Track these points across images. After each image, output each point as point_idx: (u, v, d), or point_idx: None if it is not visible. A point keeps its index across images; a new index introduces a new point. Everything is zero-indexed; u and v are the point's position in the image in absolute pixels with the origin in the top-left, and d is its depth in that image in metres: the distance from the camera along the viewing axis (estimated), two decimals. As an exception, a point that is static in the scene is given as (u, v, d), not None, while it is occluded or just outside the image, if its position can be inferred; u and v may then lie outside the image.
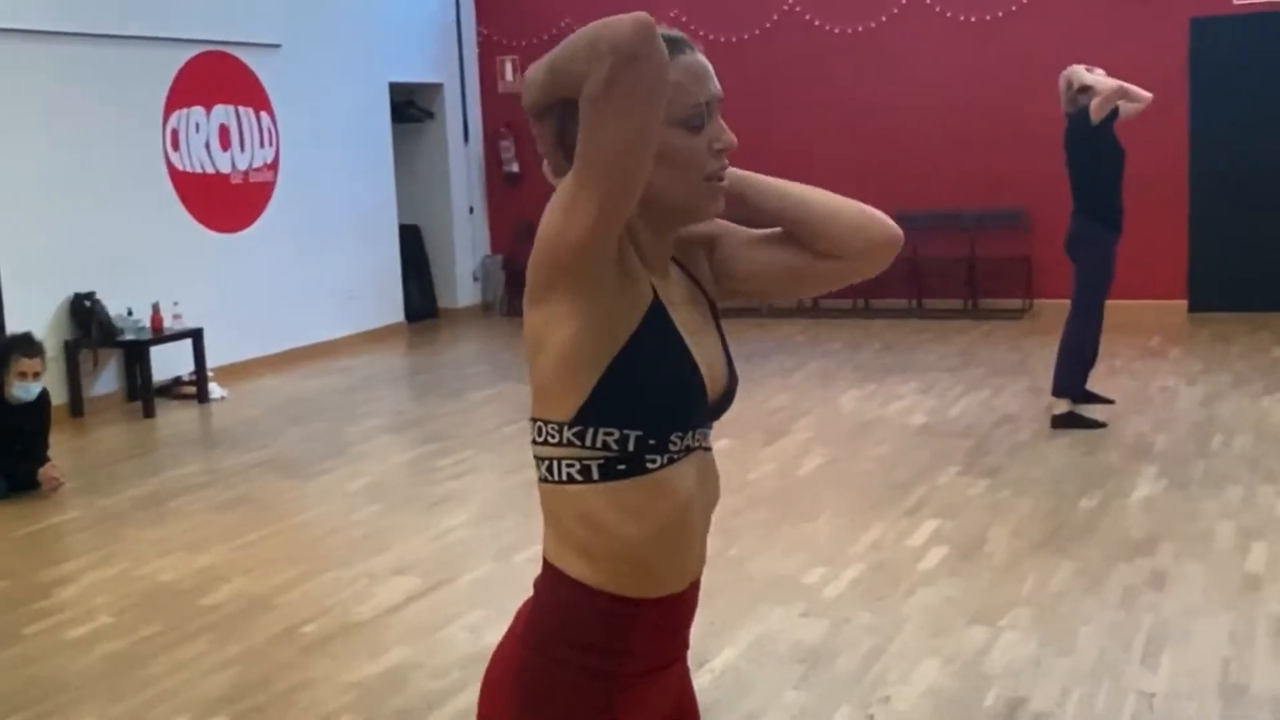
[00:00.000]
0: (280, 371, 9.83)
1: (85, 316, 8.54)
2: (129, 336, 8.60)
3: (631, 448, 1.64)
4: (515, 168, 12.70)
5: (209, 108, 9.68)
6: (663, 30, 1.59)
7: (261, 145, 10.17)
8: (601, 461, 1.64)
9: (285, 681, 4.19)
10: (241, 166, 9.98)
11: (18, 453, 6.59)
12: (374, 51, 11.31)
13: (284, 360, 10.08)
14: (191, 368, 8.96)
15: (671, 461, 1.67)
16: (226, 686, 4.16)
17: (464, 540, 5.60)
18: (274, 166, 10.30)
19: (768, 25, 11.55)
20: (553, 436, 1.66)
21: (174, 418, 8.51)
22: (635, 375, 1.63)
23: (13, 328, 8.11)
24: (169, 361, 8.97)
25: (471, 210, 12.78)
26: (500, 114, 12.71)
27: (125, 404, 8.78)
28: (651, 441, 1.65)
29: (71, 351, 8.50)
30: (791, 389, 8.43)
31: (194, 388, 8.97)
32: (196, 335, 8.88)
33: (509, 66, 12.70)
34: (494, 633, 4.35)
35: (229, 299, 9.64)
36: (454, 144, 12.51)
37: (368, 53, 11.23)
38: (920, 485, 6.13)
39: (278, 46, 10.24)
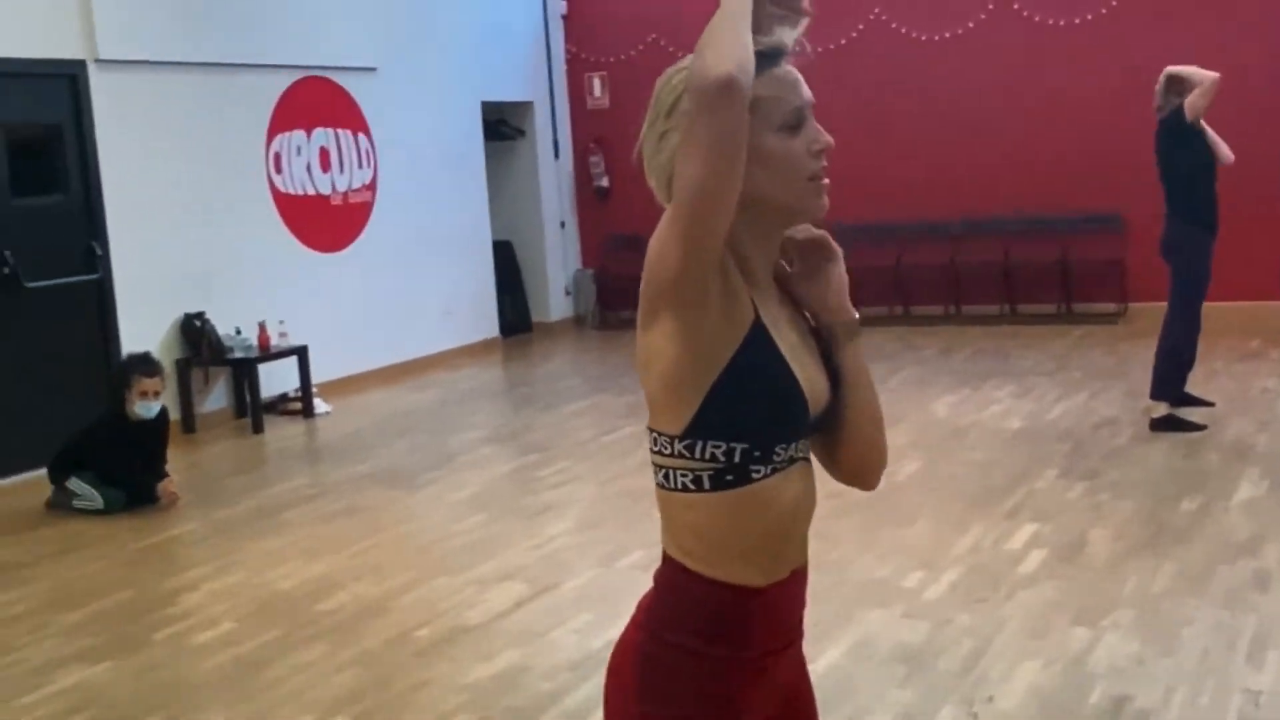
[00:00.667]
0: (382, 386, 10.05)
1: (196, 336, 8.82)
2: (238, 354, 8.87)
3: (738, 459, 1.74)
4: (605, 182, 12.87)
5: (309, 131, 9.95)
6: (759, 41, 1.70)
7: (360, 166, 10.42)
8: (711, 473, 1.74)
9: (402, 683, 4.34)
10: (341, 187, 10.24)
11: (138, 468, 6.84)
12: (466, 72, 11.53)
13: (385, 375, 10.31)
14: (297, 384, 9.22)
15: (775, 471, 1.77)
16: (346, 688, 4.32)
17: (566, 548, 5.73)
18: (372, 187, 10.55)
19: (854, 34, 11.60)
20: (666, 447, 1.76)
21: (282, 433, 8.75)
22: (740, 392, 1.72)
23: (127, 348, 8.42)
24: (275, 378, 9.23)
25: (563, 225, 12.96)
26: (589, 130, 12.88)
27: (235, 420, 9.04)
28: (757, 454, 1.74)
29: (183, 370, 8.78)
30: (886, 394, 8.38)
31: (300, 403, 9.22)
32: (301, 352, 9.13)
33: (597, 83, 12.88)
34: (600, 636, 4.53)
35: (331, 316, 9.89)
36: (544, 160, 12.71)
37: (460, 74, 11.45)
38: (1018, 489, 6.15)
39: (374, 70, 10.49)
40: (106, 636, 4.96)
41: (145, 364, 6.89)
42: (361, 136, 10.44)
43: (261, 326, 9.02)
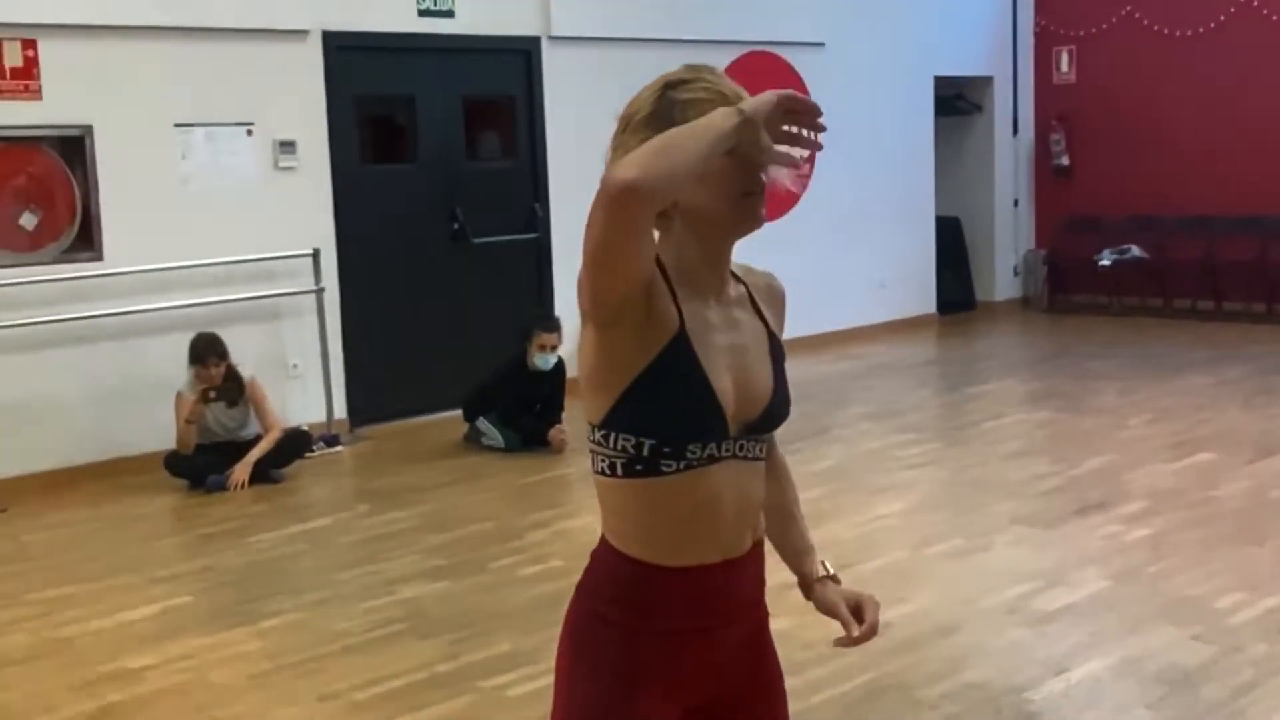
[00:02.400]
0: (805, 354, 10.32)
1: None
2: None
3: (646, 453, 1.91)
4: (1065, 160, 12.48)
5: (750, 104, 10.33)
6: (686, 69, 1.92)
7: (799, 139, 10.69)
8: (624, 461, 1.93)
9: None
10: (778, 159, 10.55)
11: (535, 414, 7.54)
12: (920, 47, 11.52)
13: (807, 344, 10.55)
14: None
15: (689, 468, 1.92)
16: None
17: (888, 528, 5.82)
18: (810, 160, 10.81)
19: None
20: (590, 433, 1.97)
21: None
22: (650, 396, 1.89)
23: (561, 308, 9.20)
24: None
25: (1016, 203, 12.69)
26: (1052, 106, 12.52)
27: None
28: (667, 449, 1.91)
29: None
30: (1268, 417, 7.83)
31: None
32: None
33: (1065, 57, 12.47)
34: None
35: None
36: (1001, 137, 12.48)
37: (914, 48, 11.46)
38: (1402, 521, 5.61)
39: (821, 45, 10.73)
40: (454, 560, 5.60)
41: (545, 320, 7.56)
42: (804, 110, 10.70)
43: (683, 290, 9.54)
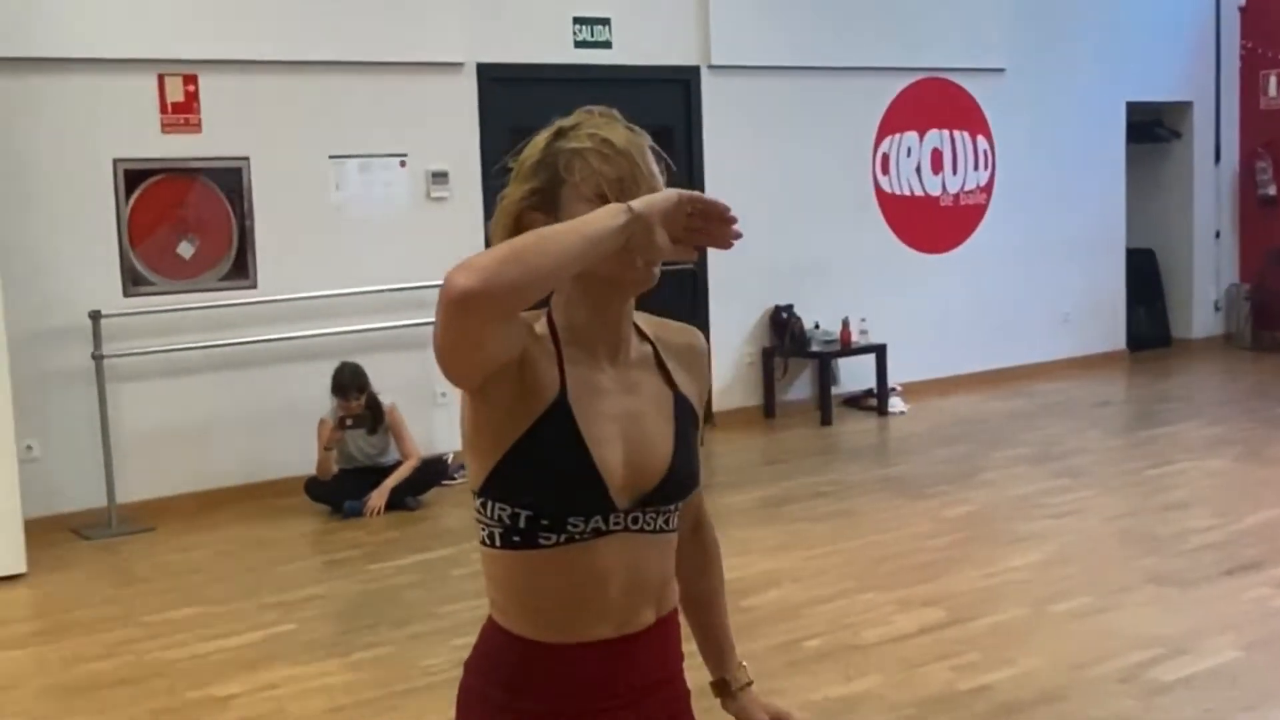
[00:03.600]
0: (978, 391, 9.96)
1: (781, 327, 9.30)
2: (815, 348, 9.24)
3: (523, 524, 1.78)
4: (1272, 190, 11.76)
5: (922, 132, 10.05)
6: (581, 113, 1.81)
7: (975, 168, 10.35)
8: (501, 531, 1.81)
9: (761, 687, 4.45)
10: (952, 189, 10.24)
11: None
12: (1111, 72, 11.01)
13: (986, 380, 10.19)
14: (873, 381, 9.42)
15: (572, 541, 1.78)
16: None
17: (1015, 581, 5.50)
18: (988, 189, 10.44)
19: None
20: (473, 501, 1.85)
21: (848, 428, 9.01)
22: (525, 467, 1.77)
23: (716, 336, 9.10)
24: (860, 374, 9.48)
25: (1218, 235, 12.00)
26: (1258, 133, 11.83)
27: (813, 411, 9.42)
28: (545, 522, 1.78)
29: (766, 359, 9.30)
30: None
31: (875, 400, 9.41)
32: (880, 350, 9.31)
33: (1274, 81, 11.75)
34: (978, 677, 4.36)
35: (920, 317, 9.93)
36: (1202, 165, 11.84)
37: (1104, 73, 10.96)
38: None
39: (1001, 71, 10.36)
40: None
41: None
42: (980, 138, 10.36)
43: (845, 323, 9.32)
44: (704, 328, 8.95)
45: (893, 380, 9.41)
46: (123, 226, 7.15)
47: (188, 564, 6.29)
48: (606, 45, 8.61)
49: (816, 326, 9.30)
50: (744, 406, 9.30)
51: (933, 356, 9.97)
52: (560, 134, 1.83)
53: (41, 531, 6.45)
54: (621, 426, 1.82)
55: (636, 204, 1.69)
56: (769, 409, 9.32)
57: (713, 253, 8.94)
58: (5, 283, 6.25)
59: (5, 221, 6.73)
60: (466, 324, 1.60)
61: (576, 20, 8.50)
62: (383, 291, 7.78)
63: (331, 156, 7.72)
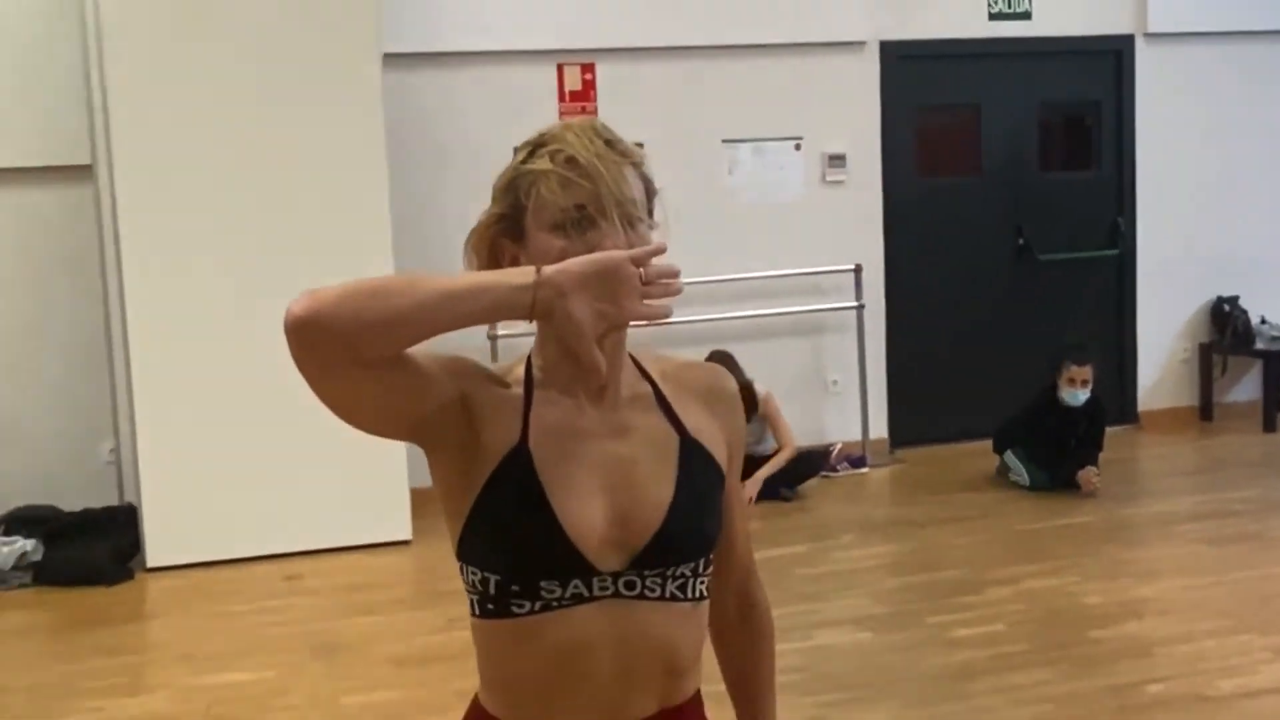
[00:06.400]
0: None
1: (1223, 321, 8.40)
2: (1261, 345, 8.28)
3: (493, 591, 1.61)
4: None
5: (1407, 102, 8.75)
6: (560, 124, 1.62)
7: None
8: (477, 597, 1.64)
9: (1077, 735, 4.03)
10: None
11: (1069, 452, 6.87)
12: None
13: None
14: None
15: (548, 609, 1.59)
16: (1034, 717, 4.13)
17: None
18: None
19: None
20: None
21: (1294, 436, 8.04)
22: (488, 523, 1.60)
23: (1144, 327, 8.37)
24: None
25: None
26: None
27: (1257, 415, 8.44)
28: (515, 587, 1.59)
29: (1204, 355, 8.43)
30: None
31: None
32: (1333, 351, 8.22)
33: None
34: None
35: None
36: None
37: None
38: None
39: None
40: (893, 609, 5.26)
41: (1077, 351, 6.89)
42: None
43: (1293, 317, 8.30)
44: (1130, 318, 8.34)
45: (1358, 385, 8.29)
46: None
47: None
48: (1025, 16, 8.05)
49: (1264, 321, 8.32)
50: (1175, 407, 8.48)
51: None
52: (531, 152, 1.64)
53: (426, 501, 6.82)
54: (605, 475, 1.62)
55: (550, 269, 1.48)
56: (1205, 410, 8.45)
57: (1146, 238, 8.24)
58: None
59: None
60: (306, 359, 1.45)
61: (993, -10, 8.02)
62: (776, 277, 7.67)
63: (725, 141, 7.67)
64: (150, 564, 6.11)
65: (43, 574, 5.98)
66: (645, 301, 1.51)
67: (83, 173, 6.44)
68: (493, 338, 6.78)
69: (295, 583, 5.89)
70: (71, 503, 6.46)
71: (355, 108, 6.19)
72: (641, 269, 1.51)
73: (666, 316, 1.52)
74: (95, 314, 6.52)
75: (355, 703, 4.54)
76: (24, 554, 5.99)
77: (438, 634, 5.07)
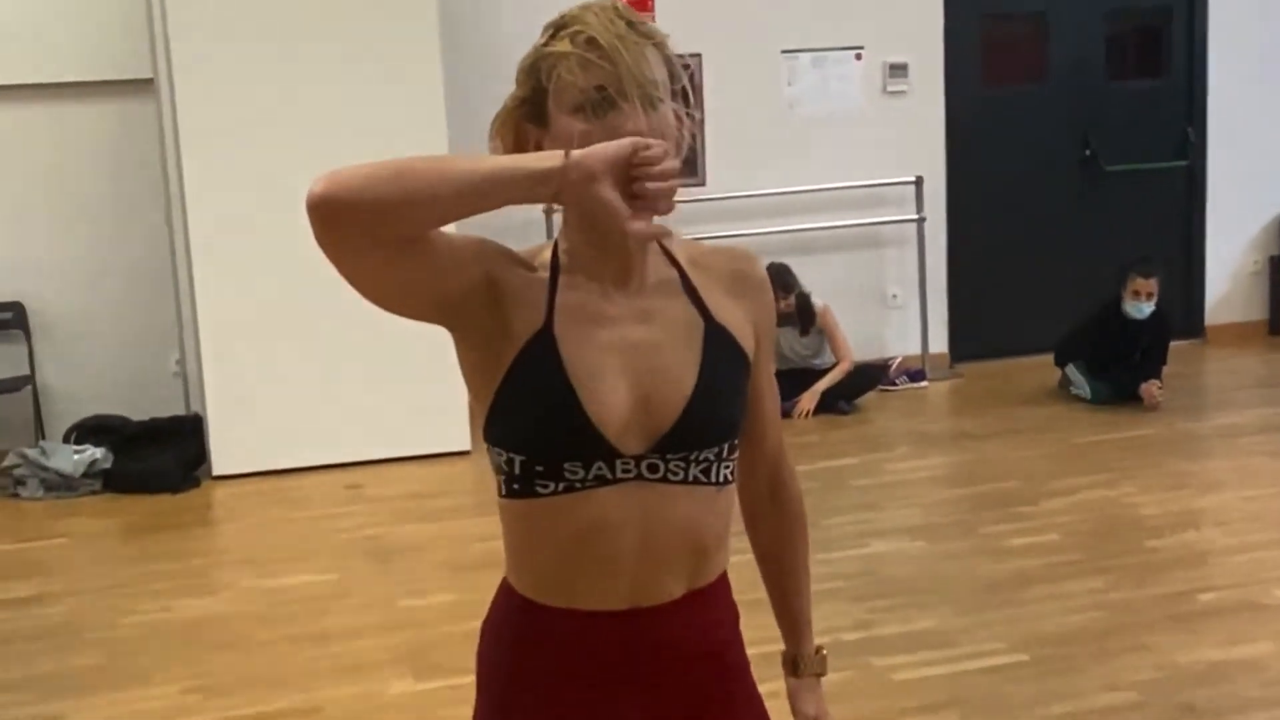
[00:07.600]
0: None
1: (1293, 233, 8.24)
2: (1333, 258, 8.12)
3: (519, 471, 1.62)
4: None
5: None
6: (580, 6, 1.60)
7: None
8: (504, 478, 1.66)
9: (1129, 639, 4.02)
10: None
11: (1133, 366, 6.79)
12: None
13: None
14: None
15: (570, 490, 1.60)
16: (1064, 626, 4.12)
17: None
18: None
19: None
20: None
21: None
22: (512, 404, 1.61)
23: (1213, 240, 8.22)
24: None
25: None
26: None
27: (1332, 330, 8.31)
28: (539, 468, 1.60)
29: (1275, 269, 8.28)
30: None
31: None
32: None
33: None
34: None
35: None
36: None
37: None
38: None
39: None
40: (947, 519, 5.26)
41: (1143, 264, 6.77)
42: None
43: (1373, 230, 8.12)
44: (1199, 230, 8.18)
45: None
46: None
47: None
48: (1094, -81, 7.86)
49: (1335, 234, 8.16)
50: (1244, 321, 8.34)
51: None
52: (553, 34, 1.63)
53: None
54: (629, 359, 1.62)
55: (578, 151, 1.47)
56: (1275, 324, 8.31)
57: (1216, 146, 8.06)
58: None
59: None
60: (328, 239, 1.46)
61: (1059, -107, 7.82)
62: (835, 189, 7.60)
63: (784, 51, 7.57)
64: (216, 472, 6.24)
65: (111, 481, 6.13)
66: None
67: (144, 87, 6.51)
68: (548, 211, 6.78)
69: (356, 491, 5.98)
70: (140, 412, 6.59)
71: (412, 6, 6.19)
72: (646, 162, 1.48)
73: (668, 210, 1.50)
74: (159, 227, 6.60)
75: (411, 605, 4.62)
76: (94, 461, 6.13)
77: (492, 540, 5.09)
